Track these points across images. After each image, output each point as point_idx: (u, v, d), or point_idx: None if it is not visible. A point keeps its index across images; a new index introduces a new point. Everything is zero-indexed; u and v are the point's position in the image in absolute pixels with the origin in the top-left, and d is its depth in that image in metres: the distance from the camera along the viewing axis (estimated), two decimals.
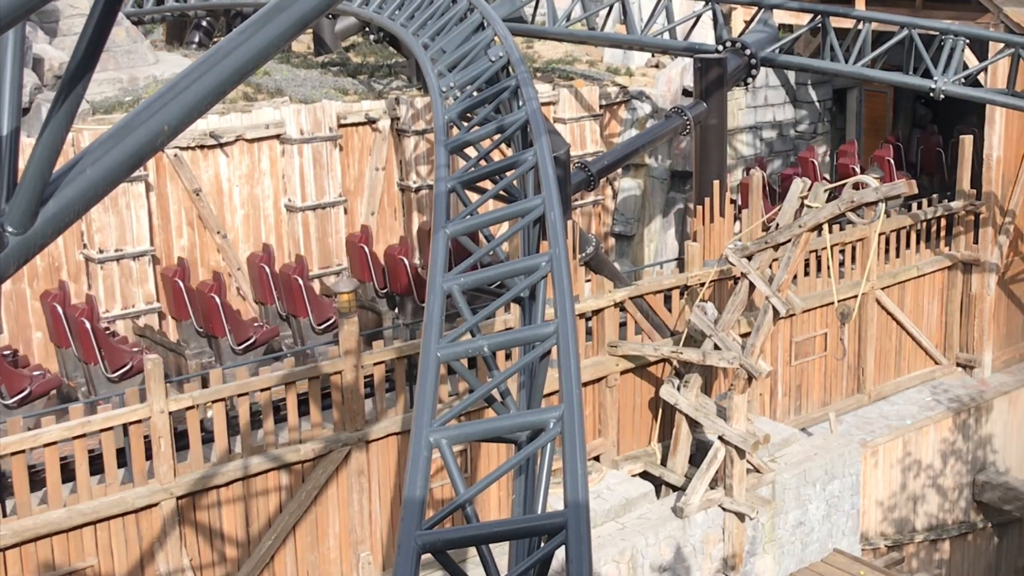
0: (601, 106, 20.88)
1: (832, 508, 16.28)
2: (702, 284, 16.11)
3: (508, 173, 9.36)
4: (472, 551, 11.77)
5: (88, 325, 13.77)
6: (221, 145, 17.02)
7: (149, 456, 12.29)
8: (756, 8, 19.68)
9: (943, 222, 19.64)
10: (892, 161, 21.29)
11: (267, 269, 16.18)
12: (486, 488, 5.61)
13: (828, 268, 17.28)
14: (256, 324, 15.26)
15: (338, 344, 13.29)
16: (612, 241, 21.34)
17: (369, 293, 16.86)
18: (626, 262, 21.11)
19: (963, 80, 17.35)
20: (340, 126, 18.08)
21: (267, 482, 13.03)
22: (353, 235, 17.68)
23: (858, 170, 20.22)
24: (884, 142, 22.44)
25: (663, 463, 15.94)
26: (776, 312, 15.11)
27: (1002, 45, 17.35)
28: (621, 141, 20.71)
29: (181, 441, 12.61)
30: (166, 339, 15.10)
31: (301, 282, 15.47)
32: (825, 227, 15.28)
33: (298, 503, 13.20)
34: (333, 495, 13.48)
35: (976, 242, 19.62)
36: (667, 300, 16.27)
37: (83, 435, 11.77)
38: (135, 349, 14.13)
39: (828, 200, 14.68)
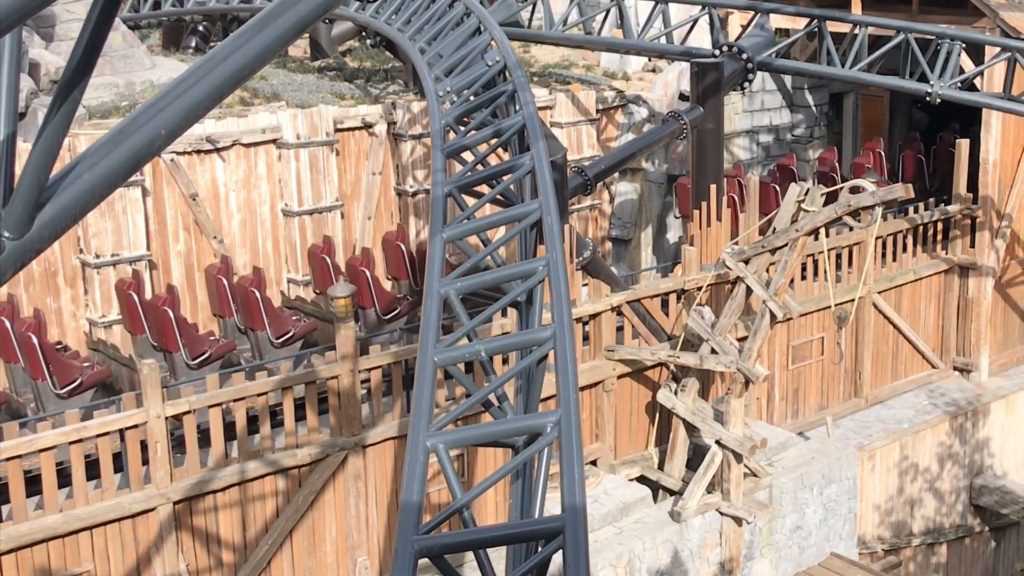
0: (598, 110, 20.89)
1: (829, 512, 16.28)
2: (699, 288, 16.12)
3: (505, 177, 9.36)
4: (469, 556, 11.76)
5: (35, 340, 13.49)
6: (218, 150, 17.01)
7: (146, 461, 12.27)
8: (753, 12, 19.71)
9: (940, 226, 19.66)
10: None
11: (224, 281, 15.94)
12: (483, 493, 5.61)
13: (825, 272, 17.30)
14: (212, 338, 14.98)
15: (295, 358, 13.34)
16: (609, 245, 21.34)
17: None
18: (623, 266, 21.12)
19: (959, 84, 17.37)
20: (337, 131, 18.09)
21: (264, 487, 13.02)
22: (315, 246, 17.33)
23: (838, 178, 20.29)
24: (864, 150, 22.44)
25: (660, 467, 15.94)
26: (773, 316, 15.12)
27: (998, 49, 17.38)
28: (618, 145, 20.71)
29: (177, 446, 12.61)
30: (119, 353, 14.69)
31: (258, 295, 15.21)
32: (822, 231, 15.29)
33: (295, 508, 13.19)
34: (330, 500, 13.46)
35: (973, 246, 19.63)
36: (664, 304, 16.27)
37: (79, 440, 11.75)
38: (86, 364, 13.90)
39: (825, 204, 14.69)
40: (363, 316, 15.95)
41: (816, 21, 18.68)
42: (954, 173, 19.53)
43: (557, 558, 4.97)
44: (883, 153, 21.89)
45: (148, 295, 15.72)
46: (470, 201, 9.10)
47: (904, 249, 19.18)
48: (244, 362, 15.16)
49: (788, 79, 22.86)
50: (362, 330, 15.47)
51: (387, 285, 17.42)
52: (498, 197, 9.47)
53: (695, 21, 19.79)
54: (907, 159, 21.98)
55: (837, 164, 21.56)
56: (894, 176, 22.30)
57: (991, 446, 19.49)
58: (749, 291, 15.24)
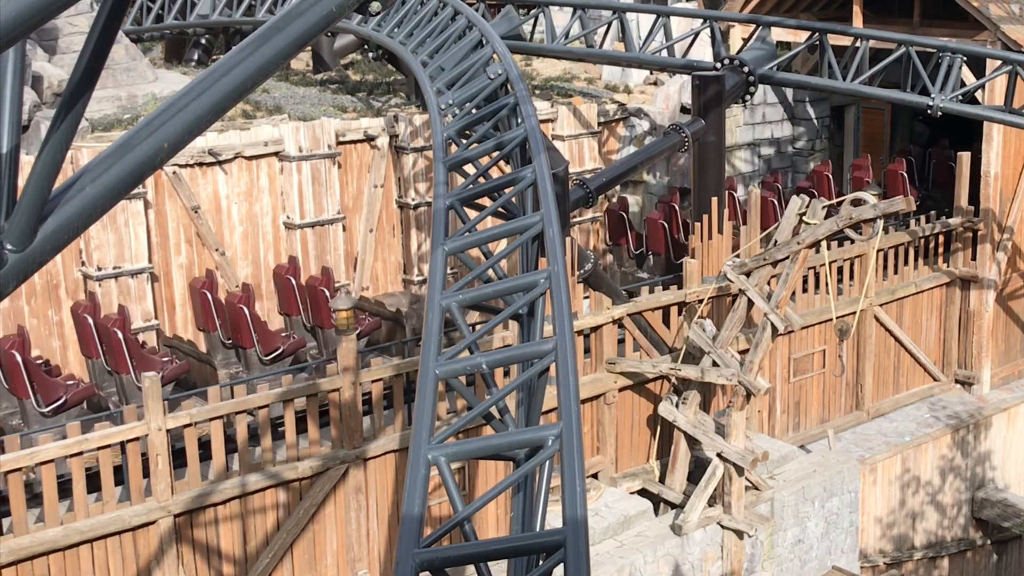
0: (599, 123, 20.92)
1: (831, 525, 16.25)
2: (700, 301, 16.11)
3: (507, 190, 9.37)
4: (470, 569, 11.74)
5: (19, 358, 13.45)
6: (220, 162, 17.03)
7: (147, 474, 12.26)
8: (754, 26, 19.75)
9: (941, 239, 19.67)
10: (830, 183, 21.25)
11: (208, 295, 15.93)
12: (484, 506, 5.60)
13: (826, 285, 17.30)
14: (165, 360, 14.76)
15: (279, 376, 13.35)
16: (610, 258, 21.35)
17: (299, 328, 16.48)
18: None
19: (960, 97, 17.40)
20: (339, 143, 18.11)
21: (265, 500, 13.00)
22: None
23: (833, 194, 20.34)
24: (853, 164, 22.43)
25: (661, 480, 15.91)
26: (775, 329, 15.11)
27: (999, 62, 17.40)
28: (619, 158, 20.74)
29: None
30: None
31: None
32: (823, 244, 15.30)
33: (296, 521, 13.17)
34: (331, 513, 13.45)
35: (974, 259, 19.64)
36: (665, 317, 16.27)
37: (80, 453, 11.74)
38: (70, 382, 13.85)
39: (826, 217, 14.70)
40: (243, 356, 15.27)
41: (817, 34, 18.71)
42: (941, 185, 19.57)
43: (558, 571, 4.96)
44: (870, 168, 21.95)
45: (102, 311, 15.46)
46: (472, 214, 9.10)
47: (906, 262, 19.18)
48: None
49: (789, 92, 22.89)
50: (243, 371, 14.94)
51: (279, 321, 17.04)
52: (500, 210, 9.47)
53: (696, 34, 19.84)
54: (891, 174, 21.89)
55: (830, 176, 21.58)
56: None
57: (993, 459, 19.46)
58: (750, 304, 15.24)
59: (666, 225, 19.29)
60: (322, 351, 15.87)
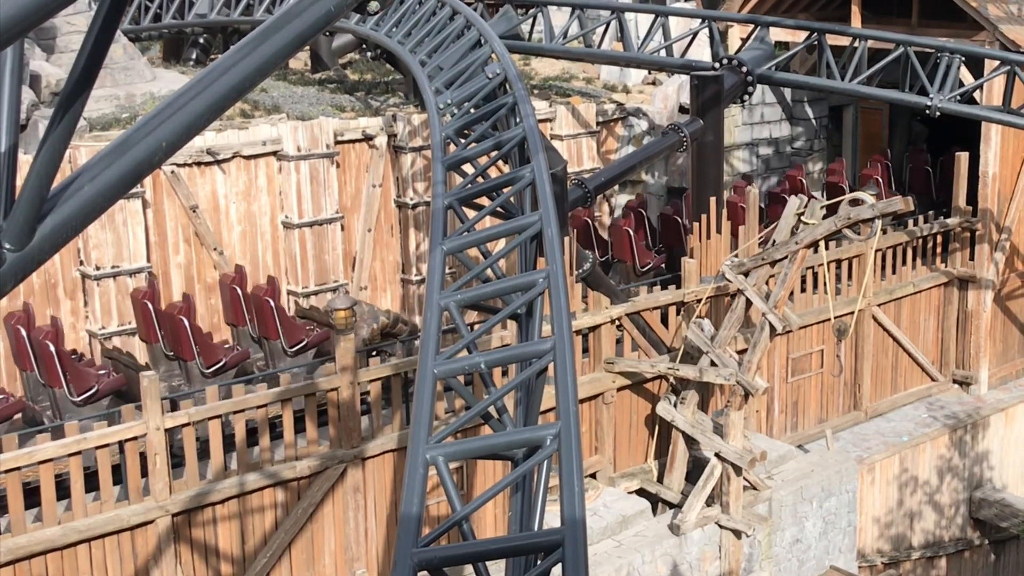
0: (598, 123, 20.92)
1: (829, 525, 16.26)
2: (699, 301, 16.12)
3: (505, 190, 9.37)
4: (469, 569, 11.73)
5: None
6: (218, 162, 17.03)
7: (145, 473, 12.26)
8: (752, 26, 19.75)
9: (939, 239, 19.68)
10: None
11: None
12: (483, 505, 5.60)
13: (825, 285, 17.30)
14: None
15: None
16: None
17: (245, 340, 15.86)
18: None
19: (959, 97, 17.40)
20: (337, 143, 18.10)
21: (263, 499, 13.00)
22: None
23: (846, 189, 20.28)
24: (829, 169, 22.34)
25: (660, 480, 15.92)
26: (773, 329, 15.12)
27: (998, 63, 17.41)
28: (618, 158, 20.74)
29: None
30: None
31: (272, 304, 15.07)
32: (821, 244, 15.30)
33: (294, 520, 13.17)
34: (329, 512, 13.45)
35: (972, 259, 19.65)
36: (664, 317, 16.27)
37: (78, 452, 11.73)
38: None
39: (824, 217, 14.71)
40: (184, 369, 14.82)
41: (816, 34, 18.72)
42: (917, 190, 19.53)
43: (557, 571, 4.96)
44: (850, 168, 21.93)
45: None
46: (470, 213, 9.10)
47: (904, 262, 19.19)
48: (258, 370, 15.07)
49: (788, 92, 22.90)
50: (185, 384, 14.54)
51: (226, 332, 16.66)
52: (498, 209, 9.48)
53: (695, 34, 19.84)
54: (864, 179, 21.82)
55: (845, 176, 21.58)
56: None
57: (991, 459, 19.48)
58: (749, 304, 15.25)
59: (631, 232, 19.10)
60: (269, 363, 15.21)
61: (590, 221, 19.60)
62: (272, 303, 15.12)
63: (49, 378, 13.54)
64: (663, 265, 19.25)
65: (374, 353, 14.51)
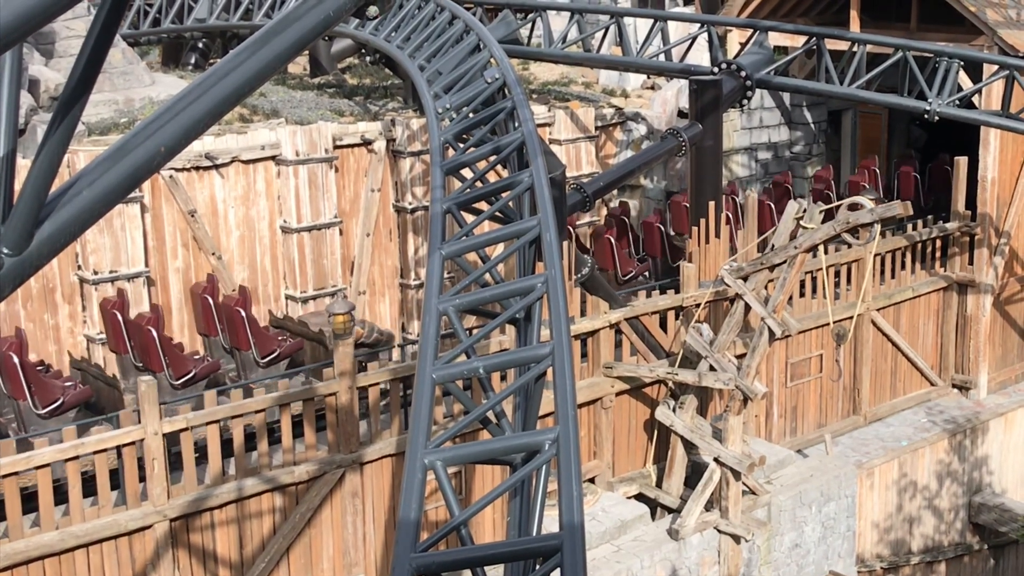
0: (597, 127, 20.92)
1: (828, 530, 16.25)
2: (698, 305, 16.11)
3: (504, 194, 9.37)
4: (467, 574, 11.72)
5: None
6: (217, 166, 17.03)
7: (143, 478, 12.24)
8: (751, 30, 19.76)
9: (938, 243, 19.68)
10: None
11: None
12: (481, 510, 5.59)
13: (823, 289, 17.30)
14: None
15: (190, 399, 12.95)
16: None
17: (217, 350, 15.66)
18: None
19: (958, 102, 17.42)
20: (336, 147, 18.10)
21: (261, 504, 12.99)
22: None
23: (834, 196, 20.24)
24: (815, 176, 22.28)
25: (658, 485, 15.91)
26: (772, 333, 15.11)
27: (996, 67, 17.43)
28: (617, 162, 20.75)
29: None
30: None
31: (243, 314, 14.88)
32: (820, 248, 15.30)
33: (292, 525, 13.15)
34: (327, 517, 13.43)
35: (971, 263, 19.65)
36: (663, 321, 16.27)
37: (76, 457, 11.72)
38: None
39: (823, 221, 14.71)
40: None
41: (815, 39, 18.73)
42: (906, 198, 19.45)
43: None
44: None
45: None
46: (469, 218, 9.10)
47: (903, 266, 19.19)
48: (229, 381, 14.76)
49: (787, 96, 22.91)
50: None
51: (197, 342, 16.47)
52: (497, 214, 9.48)
53: (694, 39, 19.86)
54: (853, 186, 21.76)
55: (833, 182, 21.55)
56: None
57: (990, 464, 19.47)
58: (748, 308, 15.24)
59: (613, 241, 18.98)
60: (240, 373, 14.99)
61: (571, 229, 19.42)
62: (243, 313, 14.85)
63: (13, 390, 13.32)
64: (646, 273, 19.25)
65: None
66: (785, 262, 14.94)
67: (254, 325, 15.17)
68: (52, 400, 13.28)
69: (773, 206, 19.89)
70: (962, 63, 17.53)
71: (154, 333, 14.27)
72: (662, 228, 19.29)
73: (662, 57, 19.77)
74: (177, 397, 13.80)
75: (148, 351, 14.33)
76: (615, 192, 20.74)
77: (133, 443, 12.05)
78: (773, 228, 15.59)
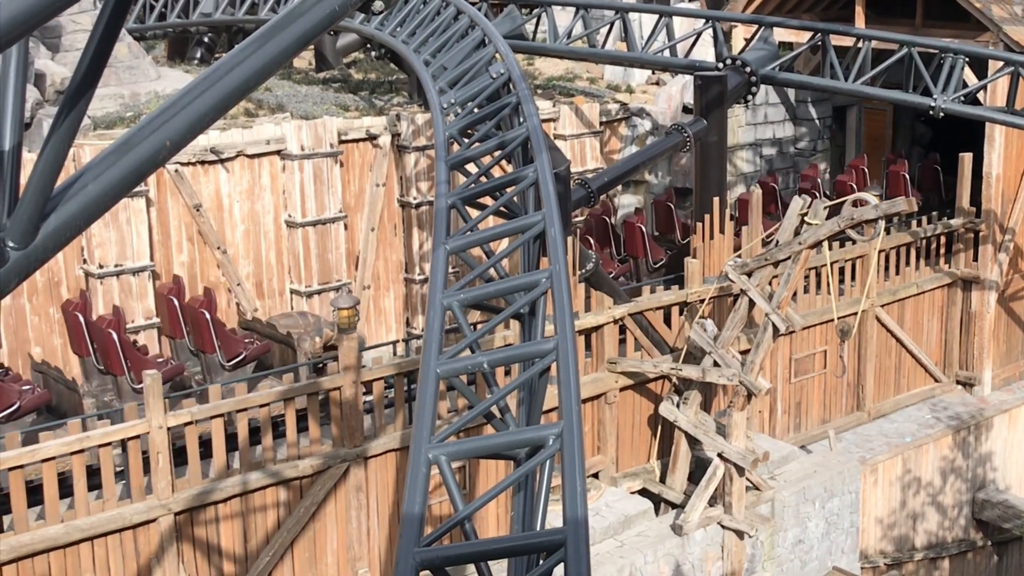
0: (601, 123, 20.91)
1: (831, 526, 16.25)
2: (702, 301, 16.11)
3: (509, 189, 9.37)
4: (471, 568, 11.75)
5: (115, 337, 13.38)
6: (222, 161, 17.03)
7: (147, 472, 12.27)
8: (756, 26, 19.73)
9: (943, 240, 19.66)
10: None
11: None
12: (485, 505, 5.60)
13: (828, 285, 17.29)
14: (24, 389, 13.87)
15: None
16: None
17: (182, 352, 15.20)
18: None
19: (963, 98, 17.39)
20: (341, 142, 18.11)
21: (265, 498, 13.01)
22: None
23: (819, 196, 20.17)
24: (802, 175, 22.22)
25: (662, 480, 15.92)
26: (776, 329, 15.11)
27: (1001, 63, 17.40)
28: (621, 158, 20.73)
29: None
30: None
31: (208, 316, 14.58)
32: (825, 244, 15.30)
33: (296, 519, 13.18)
34: (331, 511, 13.45)
35: (976, 260, 19.63)
36: (667, 317, 16.27)
37: (81, 450, 11.74)
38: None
39: (828, 217, 14.70)
40: (115, 384, 14.15)
41: (820, 35, 18.70)
42: (904, 196, 19.34)
43: (559, 571, 4.96)
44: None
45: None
46: (474, 213, 9.10)
47: (907, 262, 19.17)
48: (195, 384, 14.45)
49: (791, 92, 22.88)
50: (116, 400, 13.90)
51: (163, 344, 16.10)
52: (501, 209, 9.48)
53: (699, 34, 19.84)
54: (840, 184, 21.71)
55: (820, 182, 21.51)
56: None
57: (994, 460, 19.46)
58: (752, 304, 15.24)
59: (593, 241, 18.79)
60: (206, 376, 14.58)
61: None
62: (208, 315, 14.49)
63: None
64: (627, 274, 19.23)
65: (320, 366, 14.20)
66: (789, 258, 14.93)
67: (219, 327, 14.70)
68: (8, 404, 13.04)
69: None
70: (967, 59, 17.50)
71: (114, 336, 13.87)
72: (643, 229, 19.17)
73: (667, 53, 19.74)
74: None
75: (108, 354, 13.95)
76: (619, 189, 20.74)
77: (138, 437, 12.07)
78: (778, 224, 15.58)
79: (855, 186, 20.76)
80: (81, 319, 14.51)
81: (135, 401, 13.15)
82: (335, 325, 15.46)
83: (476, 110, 11.88)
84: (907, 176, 21.78)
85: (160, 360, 14.38)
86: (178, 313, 15.22)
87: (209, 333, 14.58)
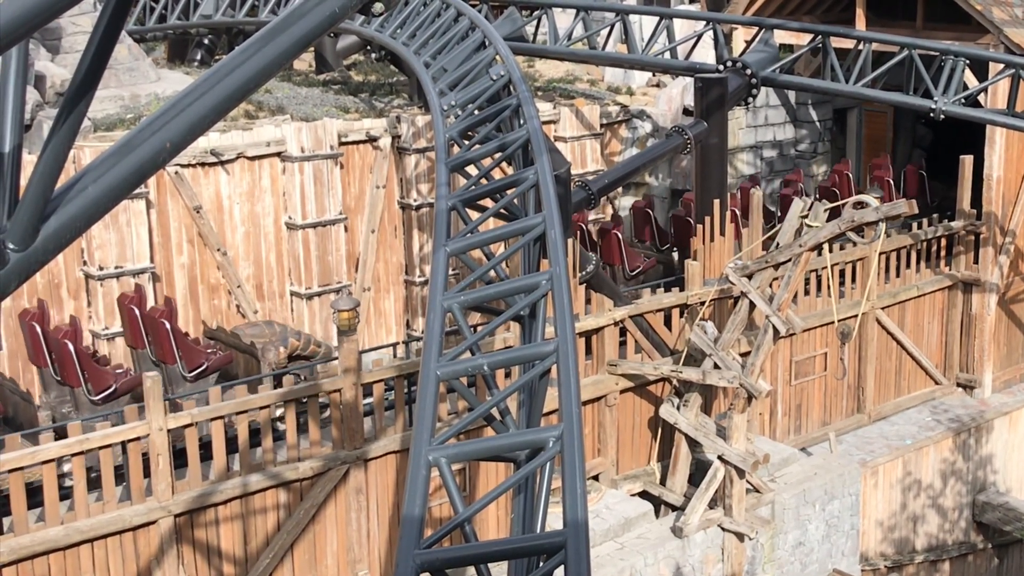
0: (602, 125, 20.92)
1: (832, 528, 16.24)
2: (702, 303, 16.11)
3: (509, 191, 9.37)
4: (471, 570, 11.74)
5: (71, 347, 13.15)
6: (222, 162, 17.04)
7: (148, 474, 12.26)
8: (757, 28, 19.74)
9: (943, 242, 19.66)
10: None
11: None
12: (485, 507, 5.60)
13: (828, 287, 17.29)
14: (118, 371, 13.85)
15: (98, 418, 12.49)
16: None
17: (145, 363, 14.61)
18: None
19: (963, 100, 17.39)
20: (341, 144, 18.12)
21: (265, 500, 13.00)
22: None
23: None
24: (784, 180, 22.13)
25: (662, 482, 15.91)
26: (776, 331, 15.10)
27: (1002, 66, 17.41)
28: (622, 160, 20.73)
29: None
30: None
31: (168, 327, 14.11)
32: (825, 246, 15.30)
33: (296, 521, 13.17)
34: (331, 513, 13.45)
35: (976, 262, 19.63)
36: (667, 319, 16.26)
37: (81, 452, 11.74)
38: (118, 371, 13.49)
39: (828, 219, 14.70)
40: (73, 396, 13.80)
41: (820, 37, 18.71)
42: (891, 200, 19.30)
43: (559, 573, 4.96)
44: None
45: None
46: (474, 215, 9.10)
47: (908, 265, 19.17)
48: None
49: (792, 95, 22.88)
50: (73, 412, 13.57)
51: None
52: (502, 211, 9.48)
53: (699, 36, 19.86)
54: (823, 191, 21.61)
55: (802, 187, 21.46)
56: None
57: (994, 463, 19.45)
58: (752, 306, 15.24)
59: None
60: (167, 388, 13.87)
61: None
62: (167, 325, 14.01)
63: None
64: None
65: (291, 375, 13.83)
66: (790, 260, 14.93)
67: (179, 337, 14.25)
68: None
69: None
70: (968, 61, 17.50)
71: (71, 347, 13.48)
72: (619, 236, 19.04)
73: (667, 55, 19.76)
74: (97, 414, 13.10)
75: (65, 365, 13.59)
76: (619, 191, 20.75)
77: (138, 439, 12.07)
78: (778, 226, 15.58)
79: (838, 192, 20.65)
80: (38, 329, 14.07)
81: (92, 413, 12.87)
82: (301, 334, 15.21)
83: (476, 112, 11.88)
84: (891, 181, 21.75)
85: (119, 371, 13.88)
86: (139, 323, 14.67)
87: (169, 343, 14.05)
